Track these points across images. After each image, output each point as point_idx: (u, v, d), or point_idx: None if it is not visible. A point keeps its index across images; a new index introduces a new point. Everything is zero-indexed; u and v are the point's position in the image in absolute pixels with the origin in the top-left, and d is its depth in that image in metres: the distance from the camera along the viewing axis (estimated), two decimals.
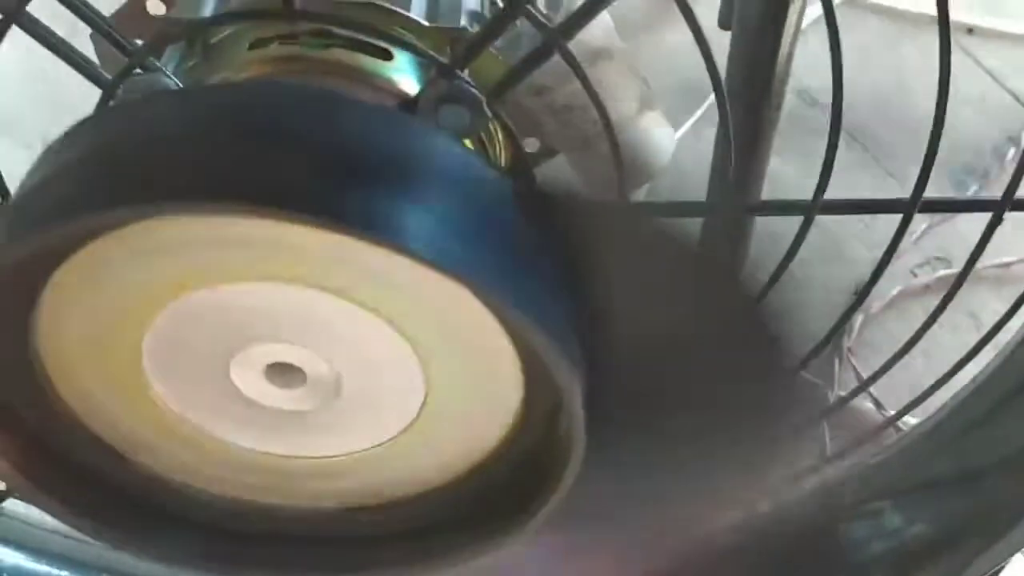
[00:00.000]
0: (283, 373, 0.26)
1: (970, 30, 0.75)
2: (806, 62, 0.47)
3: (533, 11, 0.25)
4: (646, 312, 0.24)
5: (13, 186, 0.27)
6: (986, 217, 0.30)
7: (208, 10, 0.30)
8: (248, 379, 0.26)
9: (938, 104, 0.28)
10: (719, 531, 0.33)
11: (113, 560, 0.43)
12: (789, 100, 0.46)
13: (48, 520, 0.47)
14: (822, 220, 0.31)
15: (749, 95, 0.34)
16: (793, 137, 0.60)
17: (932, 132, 0.30)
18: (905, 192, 0.29)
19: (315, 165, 0.21)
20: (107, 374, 0.25)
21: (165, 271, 0.23)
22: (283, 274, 0.23)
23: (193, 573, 0.27)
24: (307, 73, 0.28)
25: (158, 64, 0.26)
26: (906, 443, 0.38)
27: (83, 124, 0.23)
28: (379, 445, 0.27)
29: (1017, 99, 0.76)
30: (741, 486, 0.27)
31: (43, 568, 0.41)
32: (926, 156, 0.30)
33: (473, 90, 0.27)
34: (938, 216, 0.65)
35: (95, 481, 0.26)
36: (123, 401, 0.26)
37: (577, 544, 0.29)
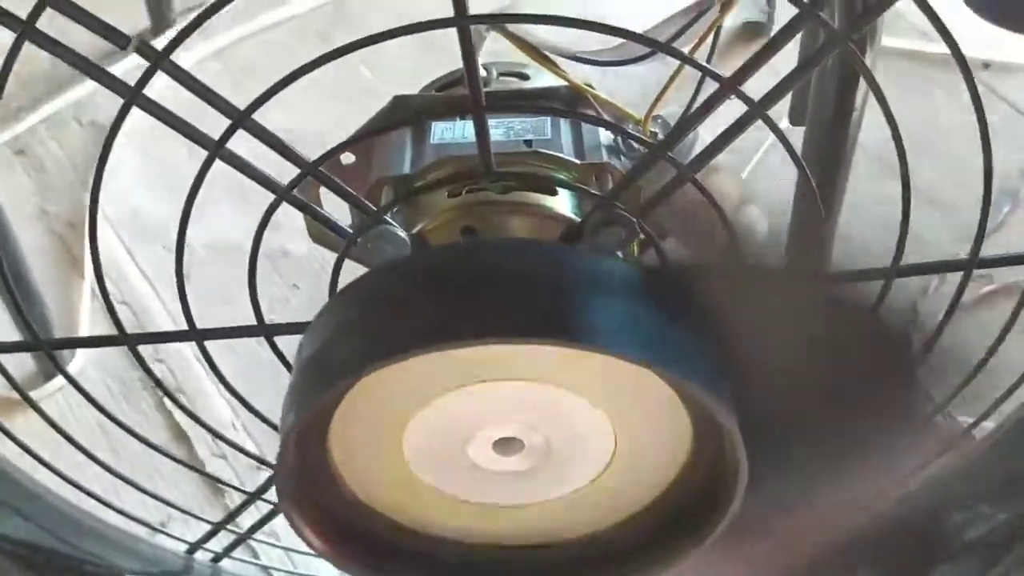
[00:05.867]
0: (506, 445, 0.34)
1: (986, 65, 0.83)
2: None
3: (671, 156, 0.34)
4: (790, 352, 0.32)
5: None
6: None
7: (406, 163, 0.38)
8: (480, 454, 0.34)
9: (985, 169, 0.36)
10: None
11: None
12: None
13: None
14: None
15: (823, 175, 0.43)
16: None
17: (983, 197, 0.38)
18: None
19: (525, 300, 0.29)
20: (379, 465, 0.34)
21: (417, 388, 0.32)
22: (500, 375, 0.31)
23: None
24: (496, 213, 0.36)
25: (391, 222, 0.35)
26: (987, 445, 0.45)
27: (349, 289, 0.31)
28: (580, 489, 0.35)
29: None
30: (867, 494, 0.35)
31: None
32: (980, 220, 0.38)
33: (626, 215, 0.35)
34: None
35: (377, 543, 0.35)
36: (391, 481, 0.34)
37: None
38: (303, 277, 0.79)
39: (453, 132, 0.39)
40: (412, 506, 0.35)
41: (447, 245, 0.35)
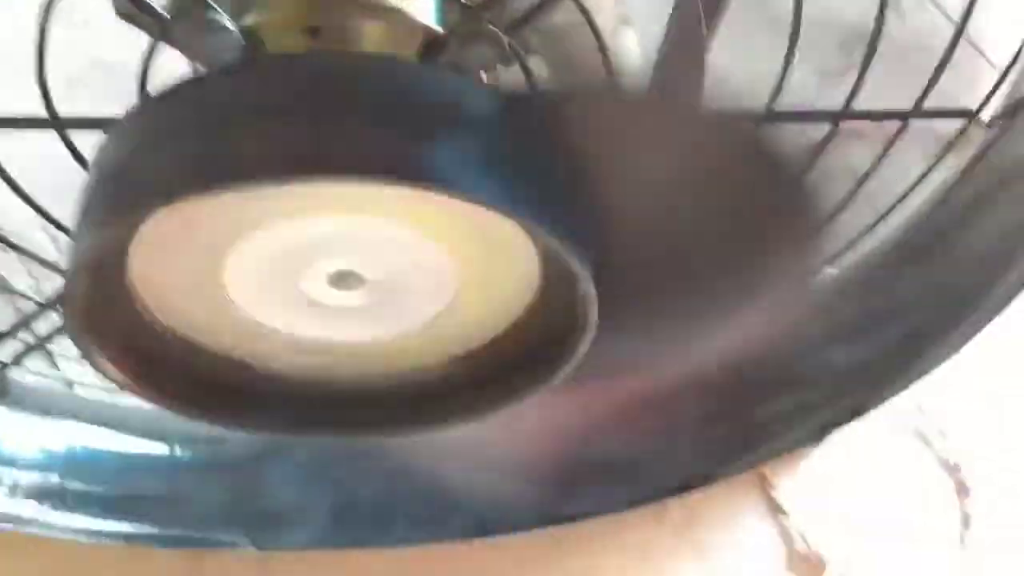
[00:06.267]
0: (342, 279, 0.31)
1: None
2: None
3: None
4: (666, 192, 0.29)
5: None
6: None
7: None
8: (315, 288, 0.31)
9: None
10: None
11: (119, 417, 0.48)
12: None
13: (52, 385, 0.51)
14: None
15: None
16: None
17: (866, 55, 0.36)
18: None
19: (366, 131, 0.25)
20: (192, 293, 0.30)
21: (239, 216, 0.28)
22: (336, 207, 0.28)
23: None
24: (346, 15, 0.31)
25: (217, 8, 0.29)
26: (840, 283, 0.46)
27: (165, 96, 0.26)
28: (421, 325, 0.32)
29: None
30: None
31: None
32: (860, 72, 0.37)
33: (495, 30, 0.31)
34: None
35: (189, 377, 0.31)
36: (206, 311, 0.31)
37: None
38: (106, 53, 0.69)
39: None
40: (233, 340, 0.32)
41: (281, 56, 0.30)
